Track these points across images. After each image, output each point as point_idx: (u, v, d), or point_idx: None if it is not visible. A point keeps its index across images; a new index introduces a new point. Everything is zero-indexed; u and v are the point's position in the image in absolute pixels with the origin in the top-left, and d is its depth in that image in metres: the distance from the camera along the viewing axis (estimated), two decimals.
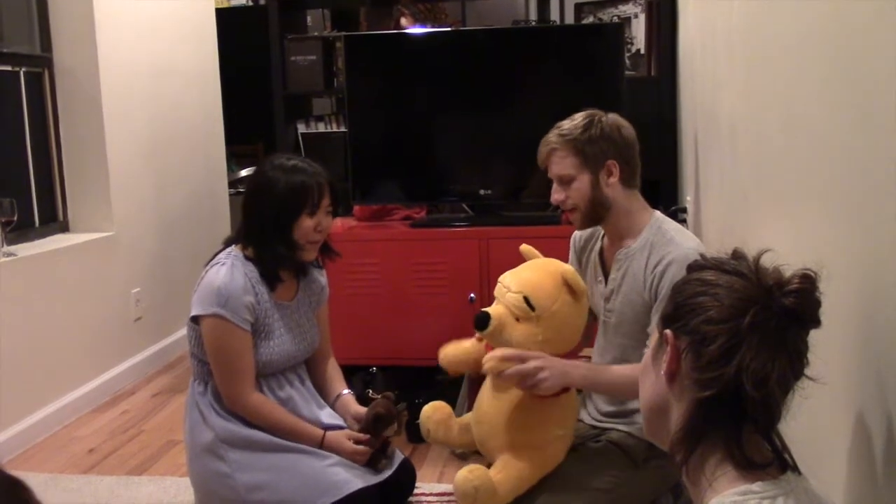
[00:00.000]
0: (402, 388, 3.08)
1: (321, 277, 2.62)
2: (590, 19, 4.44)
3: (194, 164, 4.71)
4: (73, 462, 3.10)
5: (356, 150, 3.56)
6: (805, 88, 1.52)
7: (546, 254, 2.18)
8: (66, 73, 3.77)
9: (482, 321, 2.01)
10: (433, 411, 2.24)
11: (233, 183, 5.38)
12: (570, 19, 4.55)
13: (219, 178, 5.07)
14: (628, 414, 2.16)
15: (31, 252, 3.40)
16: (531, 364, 1.95)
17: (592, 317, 2.32)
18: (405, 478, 2.56)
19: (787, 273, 1.10)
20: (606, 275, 2.20)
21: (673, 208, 3.58)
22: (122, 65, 3.95)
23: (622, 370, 2.06)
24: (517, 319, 2.01)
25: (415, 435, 2.45)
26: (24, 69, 3.64)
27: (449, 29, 4.14)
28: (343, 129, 4.41)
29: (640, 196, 2.18)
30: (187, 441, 2.50)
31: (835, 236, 1.34)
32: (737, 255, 1.15)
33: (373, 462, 2.43)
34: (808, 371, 1.09)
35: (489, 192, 3.49)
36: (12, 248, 3.29)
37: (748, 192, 2.13)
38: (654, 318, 2.00)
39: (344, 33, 4.13)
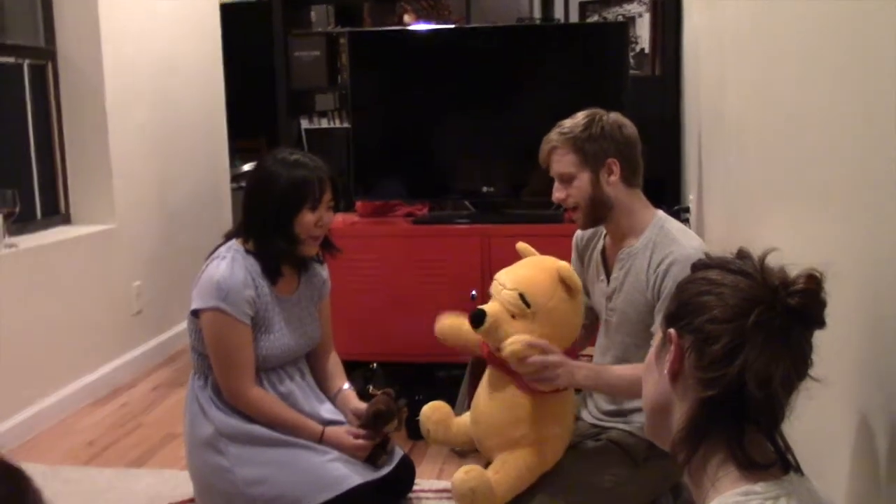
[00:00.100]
0: (402, 384, 3.08)
1: (322, 271, 2.62)
2: (594, 18, 4.43)
3: (197, 158, 4.71)
4: (73, 454, 3.10)
5: (359, 146, 3.56)
6: (813, 89, 1.52)
7: (548, 252, 2.17)
8: (69, 66, 3.77)
9: (478, 318, 2.00)
10: (432, 411, 2.23)
11: (235, 178, 5.37)
12: (574, 18, 4.54)
13: (221, 173, 5.07)
14: (628, 413, 2.16)
15: (33, 244, 3.39)
16: (554, 358, 1.95)
17: (594, 316, 2.32)
18: (405, 474, 2.56)
19: (793, 273, 1.09)
20: (608, 274, 2.20)
21: (676, 208, 3.58)
22: (126, 58, 3.95)
23: (624, 371, 2.05)
24: (513, 316, 2.00)
25: (414, 431, 2.46)
26: (27, 61, 3.63)
27: (453, 26, 4.13)
28: (346, 125, 4.41)
29: (643, 195, 2.18)
30: (187, 434, 2.50)
31: (840, 237, 1.34)
32: (742, 254, 1.14)
33: (373, 458, 2.44)
34: (812, 372, 1.09)
35: (491, 189, 3.49)
36: (14, 240, 3.28)
37: (753, 192, 2.13)
38: (657, 318, 1.99)
39: (348, 29, 4.13)
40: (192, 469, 2.51)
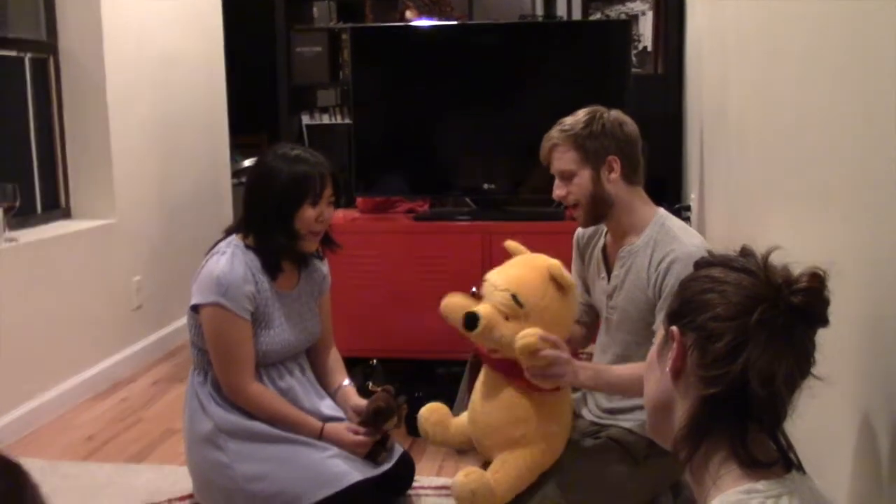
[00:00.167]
0: (402, 380, 3.08)
1: (323, 267, 2.62)
2: (597, 16, 4.43)
3: (198, 153, 4.70)
4: (72, 449, 3.10)
5: (360, 142, 3.56)
6: (814, 89, 1.52)
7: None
8: (71, 60, 3.76)
9: (471, 322, 1.98)
10: (430, 413, 2.23)
11: (236, 173, 5.37)
12: (577, 15, 4.53)
13: (222, 168, 5.06)
14: (628, 410, 2.16)
15: (33, 238, 3.39)
16: (564, 355, 1.94)
17: (595, 314, 2.31)
18: (404, 471, 2.56)
19: (796, 271, 1.09)
20: (609, 272, 2.19)
21: (677, 206, 3.57)
22: (128, 52, 3.94)
23: (625, 371, 2.05)
24: (506, 318, 1.99)
25: (414, 428, 2.45)
26: (29, 55, 3.63)
27: (455, 22, 4.12)
28: (347, 120, 4.41)
29: (644, 193, 2.17)
30: (186, 430, 2.49)
31: (843, 235, 1.34)
32: (745, 252, 1.14)
33: (372, 455, 2.43)
34: (815, 370, 1.09)
35: (492, 186, 3.49)
36: (14, 234, 3.28)
37: (754, 191, 2.12)
38: (659, 316, 1.99)
39: (350, 25, 4.12)
40: (192, 465, 2.51)
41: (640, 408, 1.97)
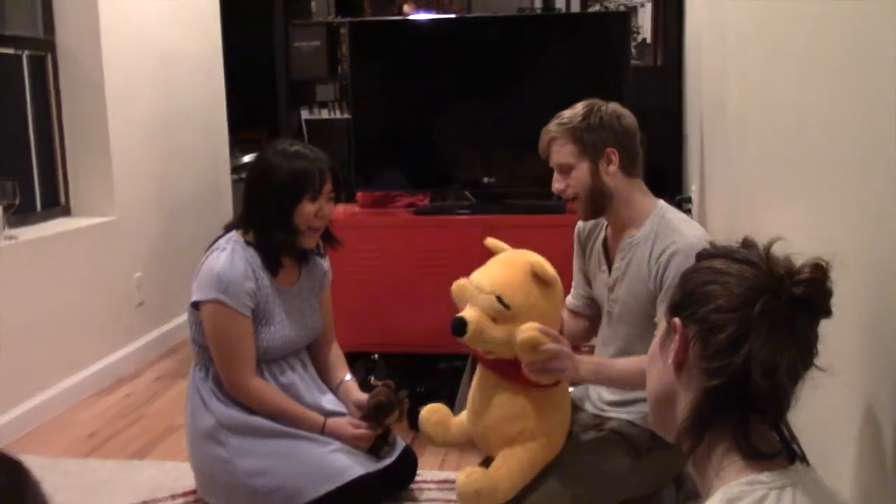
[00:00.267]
0: (403, 375, 3.08)
1: (323, 263, 2.62)
2: (596, 8, 4.42)
3: (197, 149, 4.70)
4: (74, 445, 3.10)
5: (359, 137, 3.55)
6: (815, 81, 1.51)
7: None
8: (69, 57, 3.75)
9: (460, 328, 1.96)
10: (430, 414, 2.22)
11: (236, 169, 5.36)
12: (575, 7, 4.53)
13: (222, 164, 5.06)
14: (631, 403, 2.16)
15: (33, 236, 3.39)
16: (564, 348, 1.94)
17: (597, 307, 2.31)
18: (407, 465, 2.56)
19: (798, 262, 1.09)
20: (610, 264, 2.19)
21: (678, 198, 3.57)
22: (126, 49, 3.93)
23: (627, 364, 2.05)
24: (494, 320, 1.98)
25: (416, 423, 2.45)
26: (26, 52, 3.62)
27: (453, 16, 4.11)
28: (346, 115, 4.40)
29: (643, 185, 2.17)
30: (188, 426, 2.50)
31: (845, 226, 1.33)
32: (747, 243, 1.13)
33: (375, 449, 2.44)
34: (817, 361, 1.08)
35: (492, 180, 3.48)
36: (14, 232, 3.27)
37: (755, 182, 2.12)
38: (660, 308, 1.99)
39: (348, 19, 4.11)
40: (194, 461, 2.51)
41: (643, 400, 1.96)
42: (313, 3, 4.52)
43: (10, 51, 3.54)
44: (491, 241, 2.15)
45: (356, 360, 3.15)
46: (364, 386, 2.65)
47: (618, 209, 2.13)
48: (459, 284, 2.05)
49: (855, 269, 1.21)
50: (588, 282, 2.33)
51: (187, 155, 4.57)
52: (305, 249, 2.50)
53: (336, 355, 2.67)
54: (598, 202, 2.12)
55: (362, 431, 2.41)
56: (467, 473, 2.03)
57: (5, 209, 3.21)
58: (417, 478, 2.62)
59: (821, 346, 1.09)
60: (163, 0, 4.28)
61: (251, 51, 5.11)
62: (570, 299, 2.39)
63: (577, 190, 2.11)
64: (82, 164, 3.83)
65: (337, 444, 2.39)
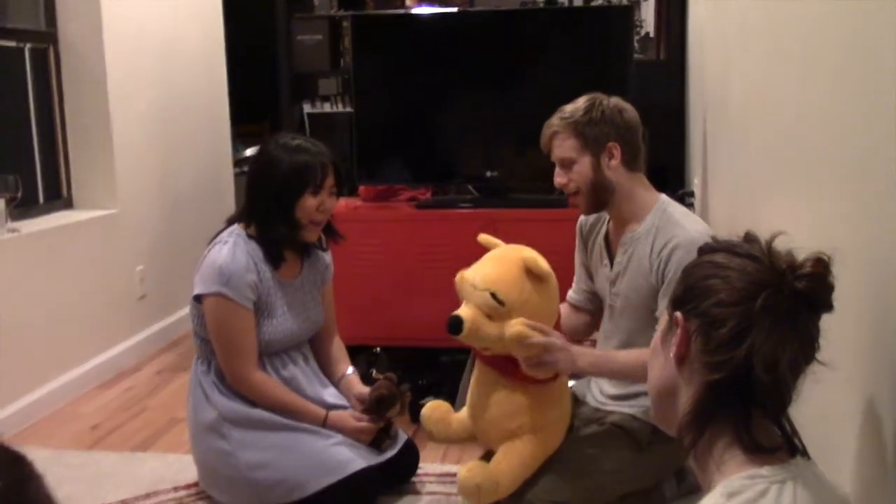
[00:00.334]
0: (405, 368, 3.08)
1: (326, 256, 2.62)
2: (599, 2, 4.41)
3: (199, 142, 4.70)
4: (77, 438, 3.10)
5: (362, 131, 3.55)
6: (817, 76, 1.51)
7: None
8: (71, 50, 3.75)
9: (455, 327, 1.96)
10: (431, 411, 2.23)
11: (238, 162, 5.36)
12: (578, 1, 4.52)
13: (224, 157, 5.06)
14: (632, 396, 2.16)
15: (35, 229, 3.39)
16: (556, 340, 1.94)
17: (599, 301, 2.31)
18: (408, 458, 2.57)
19: (800, 257, 1.09)
20: (612, 258, 2.19)
21: (680, 192, 3.57)
22: (128, 42, 3.93)
23: (628, 356, 2.05)
24: (489, 317, 1.98)
25: (418, 416, 2.46)
26: (28, 45, 3.62)
27: (456, 9, 4.10)
28: (349, 109, 4.40)
29: (645, 179, 2.17)
30: (190, 419, 2.50)
31: (846, 221, 1.33)
32: (749, 237, 1.13)
33: (376, 442, 2.44)
34: (819, 355, 1.08)
35: (495, 173, 3.48)
36: (16, 225, 3.27)
37: (757, 177, 2.12)
38: (662, 302, 1.99)
39: (351, 13, 4.11)
40: (196, 453, 2.52)
41: (644, 394, 1.97)
42: None
43: (13, 43, 3.54)
44: (484, 237, 2.15)
45: (358, 354, 3.15)
46: (366, 379, 2.65)
47: (619, 203, 2.13)
48: (461, 277, 2.06)
49: (856, 263, 1.21)
50: (590, 276, 2.33)
51: (189, 148, 4.56)
52: (307, 243, 2.50)
53: (338, 348, 2.68)
54: (599, 196, 2.12)
55: (364, 425, 2.42)
56: (468, 467, 2.04)
57: (8, 202, 3.21)
58: (419, 471, 2.63)
59: (822, 341, 1.09)
60: None
61: (254, 44, 5.10)
62: (571, 294, 2.40)
63: (579, 184, 2.11)
64: (84, 157, 3.83)
65: (339, 438, 2.39)
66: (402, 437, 2.55)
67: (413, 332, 3.33)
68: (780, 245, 1.11)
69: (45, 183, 3.73)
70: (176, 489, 2.63)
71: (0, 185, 3.19)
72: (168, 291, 4.25)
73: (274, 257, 2.43)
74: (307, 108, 4.55)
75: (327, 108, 4.59)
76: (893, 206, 1.10)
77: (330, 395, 2.53)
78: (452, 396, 2.42)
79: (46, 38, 3.70)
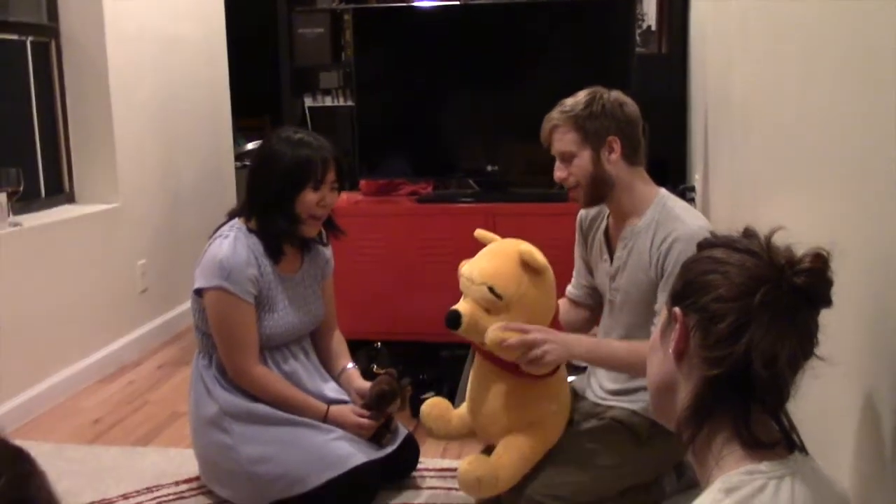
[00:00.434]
0: (406, 363, 3.08)
1: (326, 251, 2.62)
2: None
3: (201, 136, 4.70)
4: (78, 432, 3.11)
5: (363, 125, 3.55)
6: (821, 69, 1.50)
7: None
8: (72, 44, 3.75)
9: (454, 321, 1.97)
10: (430, 408, 2.23)
11: (239, 156, 5.36)
12: None
13: (225, 151, 5.05)
14: (632, 392, 2.16)
15: (37, 223, 3.39)
16: (534, 335, 1.94)
17: (599, 296, 2.31)
18: (408, 453, 2.57)
19: (799, 252, 1.09)
20: (612, 253, 2.19)
21: (681, 187, 3.56)
22: (129, 36, 3.93)
23: (624, 344, 2.06)
24: (487, 311, 1.98)
25: (418, 411, 2.46)
26: (30, 39, 3.62)
27: (458, 3, 4.09)
28: (350, 103, 4.39)
29: (645, 174, 2.17)
30: (192, 413, 2.51)
31: (846, 216, 1.33)
32: (748, 233, 1.13)
33: (377, 437, 2.44)
34: (818, 351, 1.08)
35: (496, 168, 3.47)
36: (18, 219, 3.28)
37: (758, 172, 2.11)
38: (661, 296, 1.99)
39: (352, 6, 4.10)
40: (197, 447, 2.52)
41: (644, 389, 1.97)
42: None
43: (14, 37, 3.54)
44: (480, 233, 2.15)
45: (359, 348, 3.16)
46: (367, 374, 2.66)
47: (619, 198, 2.13)
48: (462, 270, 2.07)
49: (855, 259, 1.21)
50: (589, 271, 2.33)
51: (191, 142, 4.57)
52: (307, 238, 2.50)
53: (338, 343, 2.68)
54: (599, 190, 2.12)
55: (365, 421, 2.42)
56: (469, 460, 2.04)
57: (9, 196, 3.21)
58: (419, 466, 2.63)
59: (821, 336, 1.09)
60: None
61: (254, 38, 5.09)
62: (570, 289, 2.40)
63: (579, 178, 2.11)
64: (86, 151, 3.84)
65: (339, 432, 2.39)
66: (403, 432, 2.55)
67: (414, 326, 3.33)
68: (779, 240, 1.11)
69: (47, 177, 3.73)
70: (177, 483, 2.64)
71: (2, 178, 3.20)
72: (169, 285, 4.25)
73: (273, 251, 2.43)
74: (308, 102, 4.54)
75: (328, 101, 4.58)
76: (892, 202, 1.10)
77: (331, 389, 2.53)
78: (453, 391, 2.42)
79: (48, 32, 3.70)
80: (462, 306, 1.99)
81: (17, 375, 3.20)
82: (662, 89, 3.95)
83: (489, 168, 3.48)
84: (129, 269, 3.96)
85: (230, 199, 4.87)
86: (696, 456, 1.12)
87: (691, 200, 3.34)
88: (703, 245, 1.17)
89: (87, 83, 3.77)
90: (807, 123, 1.60)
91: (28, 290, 3.25)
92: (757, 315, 1.04)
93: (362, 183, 3.66)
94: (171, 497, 2.56)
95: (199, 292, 2.40)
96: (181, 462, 2.75)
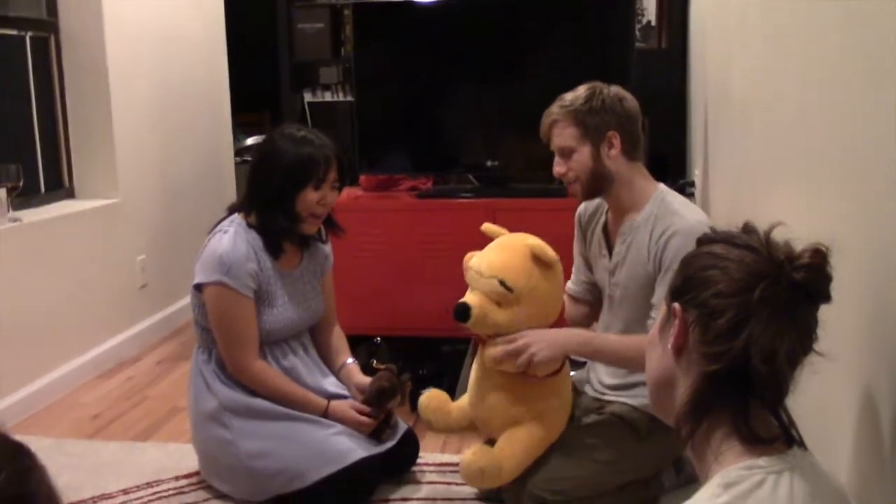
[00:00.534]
0: (406, 358, 3.09)
1: (325, 247, 2.62)
2: None
3: (200, 131, 4.69)
4: (78, 427, 3.11)
5: (363, 120, 3.54)
6: (820, 64, 1.50)
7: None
8: (71, 39, 3.74)
9: (463, 314, 1.98)
10: (429, 401, 2.23)
11: (239, 152, 5.35)
12: None
13: (224, 146, 5.05)
14: (631, 387, 2.16)
15: (37, 218, 3.39)
16: (516, 343, 1.96)
17: (598, 292, 2.31)
18: (408, 448, 2.57)
19: (798, 248, 1.09)
20: (611, 249, 2.19)
21: (681, 182, 3.56)
22: (128, 31, 3.92)
23: (618, 336, 2.06)
24: (497, 304, 1.98)
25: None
26: (29, 34, 3.61)
27: None
28: (350, 98, 4.39)
29: (644, 169, 2.17)
30: (191, 408, 2.51)
31: (845, 212, 1.33)
32: (747, 228, 1.13)
33: (377, 433, 2.44)
34: (817, 346, 1.08)
35: (496, 163, 3.47)
36: (18, 214, 3.28)
37: (758, 168, 2.11)
38: (659, 290, 1.99)
39: (352, 0, 4.09)
40: (197, 442, 2.52)
41: (643, 384, 1.97)
42: None
43: (14, 32, 3.54)
44: (487, 227, 2.16)
45: (359, 344, 3.16)
46: (367, 369, 2.66)
47: (619, 193, 2.13)
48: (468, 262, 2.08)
49: (855, 254, 1.21)
50: (589, 266, 2.33)
51: (190, 137, 4.56)
52: (306, 235, 2.50)
53: (338, 338, 2.68)
54: (598, 185, 2.12)
55: (365, 418, 2.42)
56: (473, 451, 2.04)
57: (9, 192, 3.21)
58: (419, 461, 2.63)
59: (820, 332, 1.09)
60: None
61: (254, 33, 5.08)
62: (570, 285, 2.40)
63: (578, 173, 2.11)
64: (86, 147, 3.83)
65: (339, 427, 2.39)
66: (402, 427, 2.55)
67: (414, 321, 3.33)
68: (779, 236, 1.11)
69: (47, 172, 3.73)
70: (177, 478, 2.64)
71: (1, 174, 3.20)
72: (169, 281, 4.25)
73: (273, 248, 2.43)
74: (308, 97, 4.53)
75: (328, 97, 4.58)
76: (892, 198, 1.10)
77: (330, 384, 2.53)
78: (453, 386, 2.43)
79: (47, 27, 3.69)
80: (471, 298, 1.99)
81: (17, 371, 3.20)
82: (662, 84, 3.94)
83: (489, 163, 3.48)
84: (128, 265, 3.95)
85: (230, 195, 4.87)
86: (694, 451, 1.13)
87: (691, 196, 3.34)
88: (702, 240, 1.17)
89: (87, 78, 3.77)
90: (806, 119, 1.60)
91: (28, 285, 3.25)
92: (756, 310, 1.05)
93: (362, 178, 3.66)
94: (170, 492, 2.56)
95: (198, 287, 2.40)
96: (181, 457, 2.75)
